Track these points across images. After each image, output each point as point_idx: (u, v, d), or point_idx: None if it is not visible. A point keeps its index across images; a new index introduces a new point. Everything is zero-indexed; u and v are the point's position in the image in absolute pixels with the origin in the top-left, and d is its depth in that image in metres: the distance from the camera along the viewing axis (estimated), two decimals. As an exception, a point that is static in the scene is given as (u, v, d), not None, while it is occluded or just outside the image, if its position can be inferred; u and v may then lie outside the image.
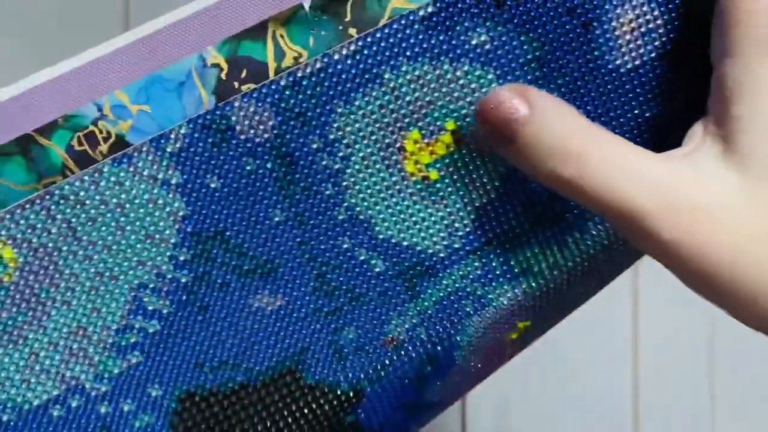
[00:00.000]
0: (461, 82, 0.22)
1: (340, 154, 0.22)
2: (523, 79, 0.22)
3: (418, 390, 0.23)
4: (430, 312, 0.23)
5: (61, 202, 0.21)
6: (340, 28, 0.22)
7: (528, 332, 0.25)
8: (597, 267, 0.25)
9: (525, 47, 0.22)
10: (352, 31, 0.22)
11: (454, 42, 0.22)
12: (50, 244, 0.21)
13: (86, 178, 0.21)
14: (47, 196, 0.21)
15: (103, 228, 0.21)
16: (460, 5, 0.22)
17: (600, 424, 0.58)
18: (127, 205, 0.21)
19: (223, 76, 0.22)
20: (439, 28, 0.22)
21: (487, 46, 0.22)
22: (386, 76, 0.22)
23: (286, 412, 0.22)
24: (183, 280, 0.22)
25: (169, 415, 0.22)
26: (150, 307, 0.22)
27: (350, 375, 0.22)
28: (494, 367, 0.25)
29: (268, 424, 0.22)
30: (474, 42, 0.22)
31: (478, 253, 0.23)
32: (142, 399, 0.22)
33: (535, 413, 0.58)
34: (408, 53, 0.22)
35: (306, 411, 0.22)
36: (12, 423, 0.21)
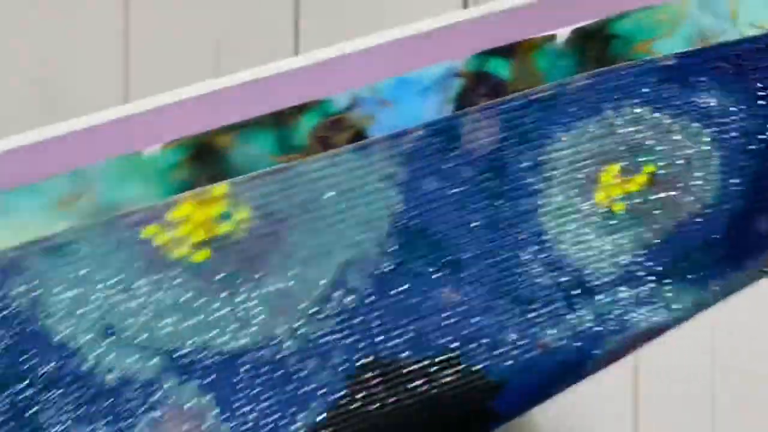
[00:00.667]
0: (676, 134, 0.24)
1: (545, 175, 0.24)
2: (740, 151, 0.24)
3: (548, 391, 0.26)
4: (578, 329, 0.25)
5: (300, 177, 0.22)
6: (582, 62, 0.23)
7: None
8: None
9: (754, 120, 0.24)
10: (591, 66, 0.23)
11: (682, 96, 0.23)
12: (281, 213, 0.22)
13: (326, 160, 0.22)
14: (289, 170, 0.22)
15: (329, 207, 0.23)
16: (699, 66, 0.23)
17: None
18: (354, 191, 0.23)
19: (465, 87, 0.23)
20: (672, 80, 0.23)
21: (714, 110, 0.24)
22: (608, 112, 0.23)
23: (440, 391, 0.25)
24: (385, 266, 0.23)
25: (348, 379, 0.24)
26: (351, 285, 0.23)
27: (501, 366, 0.25)
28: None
29: (425, 397, 0.25)
30: (701, 102, 0.23)
31: (634, 282, 0.25)
32: (327, 361, 0.24)
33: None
34: (635, 95, 0.23)
35: (458, 392, 0.25)
36: (213, 362, 0.23)
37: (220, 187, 0.22)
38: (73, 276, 0.22)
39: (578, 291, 0.25)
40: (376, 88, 0.22)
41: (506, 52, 0.23)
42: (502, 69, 0.23)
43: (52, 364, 0.22)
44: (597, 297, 0.25)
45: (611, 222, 0.25)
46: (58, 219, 0.22)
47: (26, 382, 0.22)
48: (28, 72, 0.64)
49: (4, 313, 0.22)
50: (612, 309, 0.26)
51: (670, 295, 0.26)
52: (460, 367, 0.25)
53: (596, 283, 0.25)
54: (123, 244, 0.22)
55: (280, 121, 0.22)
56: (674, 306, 0.26)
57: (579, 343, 0.25)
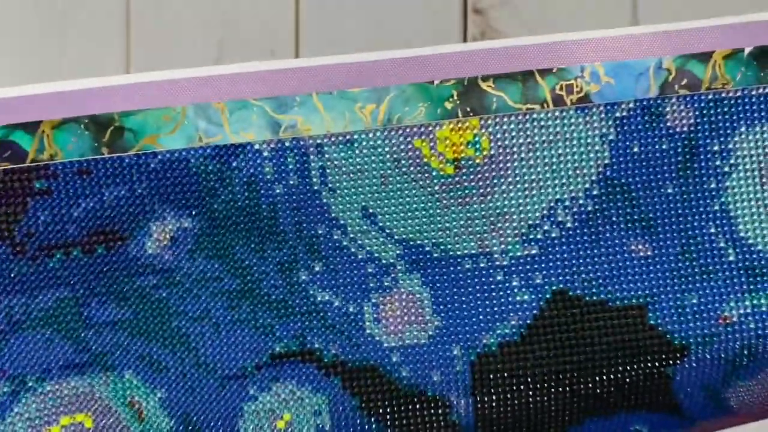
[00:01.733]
0: None
1: (731, 161, 0.29)
2: None
3: (727, 376, 0.30)
4: (762, 309, 0.30)
5: (533, 122, 0.29)
6: (762, 74, 0.30)
7: None
8: None
9: None
10: (769, 79, 0.30)
11: None
12: (514, 148, 0.29)
13: (556, 113, 0.29)
14: (526, 116, 0.29)
15: (550, 150, 0.29)
16: None
17: None
18: (573, 141, 0.29)
19: (669, 78, 0.29)
20: None
21: None
22: None
23: (623, 338, 0.30)
24: (588, 208, 0.30)
25: (542, 301, 0.30)
26: (559, 218, 0.30)
27: (683, 332, 0.30)
28: None
29: (606, 341, 0.30)
30: None
31: None
32: (528, 281, 0.30)
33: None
34: None
35: (639, 345, 0.30)
36: (438, 260, 0.29)
37: (474, 120, 0.29)
38: (356, 164, 0.29)
39: (760, 273, 0.30)
40: (603, 66, 0.29)
41: (701, 56, 0.29)
42: (697, 69, 0.29)
43: (320, 231, 0.29)
44: None
45: None
46: (355, 120, 0.29)
47: (300, 241, 0.29)
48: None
49: (307, 182, 0.29)
50: None
51: None
52: (644, 319, 0.30)
53: None
54: (398, 148, 0.29)
55: (527, 77, 0.29)
56: None
57: (761, 329, 0.30)
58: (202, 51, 0.64)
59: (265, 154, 0.29)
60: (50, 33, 0.70)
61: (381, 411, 0.30)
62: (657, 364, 0.30)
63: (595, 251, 0.30)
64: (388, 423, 0.30)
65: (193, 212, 0.29)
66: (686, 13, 0.60)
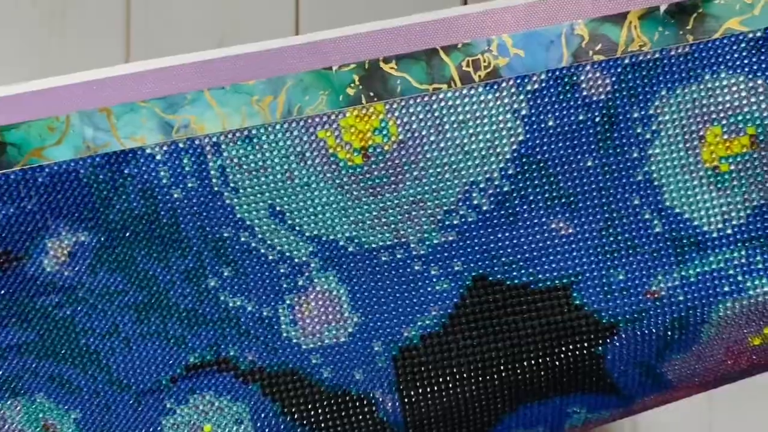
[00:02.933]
0: None
1: (653, 128, 0.28)
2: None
3: (660, 351, 0.29)
4: (691, 280, 0.29)
5: (440, 103, 0.28)
6: (680, 33, 0.28)
7: None
8: None
9: None
10: (689, 37, 0.28)
11: None
12: (423, 132, 0.28)
13: (464, 91, 0.28)
14: (433, 97, 0.28)
15: (461, 131, 0.28)
16: None
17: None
18: (484, 120, 0.28)
19: (583, 44, 0.28)
20: (762, 50, 0.28)
21: None
22: (707, 77, 0.28)
23: (548, 321, 0.29)
24: (505, 189, 0.28)
25: (463, 289, 0.28)
26: (474, 202, 0.28)
27: (611, 310, 0.29)
28: (725, 373, 0.30)
29: (532, 325, 0.28)
30: None
31: (747, 244, 0.29)
32: (447, 269, 0.28)
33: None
34: (730, 64, 0.28)
35: (566, 326, 0.29)
36: (353, 254, 0.28)
37: (379, 105, 0.28)
38: (257, 161, 0.28)
39: (688, 244, 0.29)
40: (511, 38, 0.28)
41: (616, 18, 0.28)
42: (613, 32, 0.28)
43: (225, 234, 0.28)
44: (708, 253, 0.29)
45: (719, 180, 0.29)
46: (253, 115, 0.27)
47: (205, 246, 0.28)
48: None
49: (207, 183, 0.27)
50: (724, 269, 0.29)
51: None
52: (570, 300, 0.28)
53: (707, 238, 0.29)
54: (301, 141, 0.28)
55: (431, 56, 0.28)
56: None
57: (690, 300, 0.29)
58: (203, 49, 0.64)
59: (159, 157, 0.27)
60: (50, 34, 0.70)
61: (305, 414, 0.29)
62: (587, 344, 0.28)
63: (515, 233, 0.29)
64: (314, 426, 0.29)
65: (89, 225, 0.27)
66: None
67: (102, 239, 0.27)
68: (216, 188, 0.28)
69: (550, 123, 0.28)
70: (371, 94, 0.28)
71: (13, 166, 0.27)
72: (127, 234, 0.28)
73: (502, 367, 0.28)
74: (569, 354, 0.28)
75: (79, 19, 0.69)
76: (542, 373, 0.29)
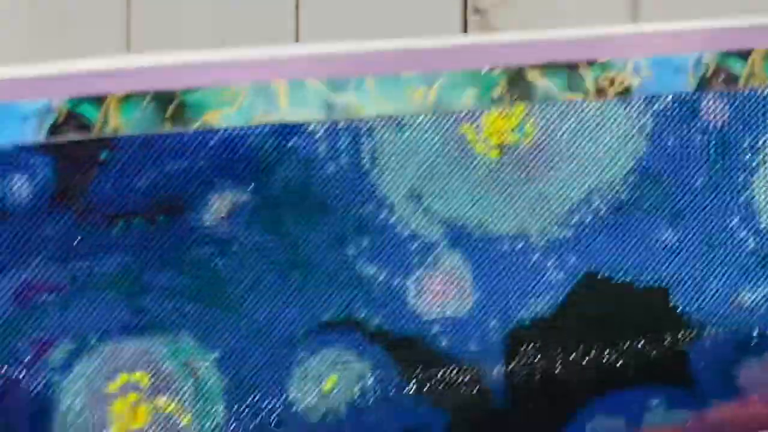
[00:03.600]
0: None
1: (760, 157, 0.31)
2: None
3: (737, 356, 0.32)
4: None
5: (576, 112, 0.30)
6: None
7: None
8: None
9: None
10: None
11: None
12: (557, 136, 0.31)
13: (598, 104, 0.30)
14: (570, 105, 0.30)
15: (591, 139, 0.31)
16: None
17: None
18: (612, 132, 0.31)
19: (708, 74, 0.31)
20: None
21: None
22: None
23: (645, 317, 0.31)
24: (623, 196, 0.31)
25: (574, 282, 0.31)
26: (594, 205, 0.31)
27: (700, 314, 0.32)
28: None
29: (630, 319, 0.31)
30: None
31: None
32: (562, 262, 0.31)
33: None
34: None
35: (659, 323, 0.32)
36: (479, 239, 0.31)
37: (520, 107, 0.31)
38: (404, 146, 0.30)
39: None
40: (646, 60, 0.30)
41: (743, 54, 0.30)
42: (735, 67, 0.31)
43: (367, 210, 0.31)
44: None
45: None
46: (406, 104, 0.30)
47: (348, 218, 0.30)
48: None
49: (357, 162, 0.30)
50: None
51: None
52: (665, 301, 0.32)
53: None
54: (446, 132, 0.30)
55: (573, 68, 0.30)
56: None
57: None
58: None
59: (319, 134, 0.30)
60: (50, 33, 0.71)
61: (420, 377, 0.32)
62: (675, 341, 0.32)
63: (626, 237, 0.32)
64: (428, 388, 0.32)
65: (250, 187, 0.30)
66: (689, 12, 0.61)
67: (259, 201, 0.30)
68: (365, 167, 0.30)
69: (670, 142, 0.31)
70: (514, 96, 0.30)
71: (189, 125, 0.29)
72: (282, 199, 0.30)
73: (599, 354, 0.32)
74: (659, 348, 0.32)
75: (79, 21, 0.70)
76: (633, 362, 0.32)
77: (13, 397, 0.30)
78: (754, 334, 0.32)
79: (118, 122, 0.29)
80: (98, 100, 0.29)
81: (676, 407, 0.33)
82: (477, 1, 0.58)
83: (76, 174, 0.29)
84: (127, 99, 0.29)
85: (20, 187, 0.29)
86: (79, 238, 0.29)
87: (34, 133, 0.29)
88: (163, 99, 0.29)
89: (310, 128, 0.30)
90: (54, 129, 0.29)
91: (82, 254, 0.29)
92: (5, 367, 0.29)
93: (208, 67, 0.29)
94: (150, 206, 0.29)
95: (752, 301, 0.32)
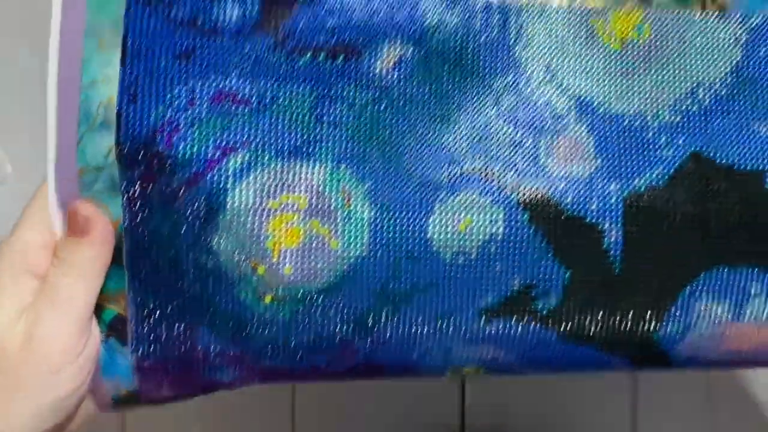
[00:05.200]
0: None
1: None
2: None
3: None
4: None
5: (685, 19, 0.37)
6: None
7: None
8: None
9: None
10: None
11: None
12: (669, 36, 0.37)
13: (703, 14, 0.37)
14: (680, 13, 0.37)
15: (696, 44, 0.37)
16: None
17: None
18: (714, 38, 0.37)
19: (790, 3, 0.38)
20: None
21: None
22: None
23: (744, 196, 0.36)
24: (723, 92, 0.37)
25: (682, 157, 0.36)
26: (699, 96, 0.37)
27: None
28: None
29: (734, 199, 0.35)
30: None
31: None
32: (672, 141, 0.36)
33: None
34: None
35: (758, 200, 0.35)
36: (602, 115, 0.36)
37: (640, 10, 0.37)
38: (545, 29, 0.36)
39: None
40: (740, -15, 0.37)
41: None
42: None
43: (509, 78, 0.36)
44: None
45: None
46: (549, -4, 0.36)
47: (493, 81, 0.35)
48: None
49: (506, 36, 0.35)
50: None
51: None
52: (761, 182, 0.36)
53: None
54: (580, 22, 0.36)
55: (683, -15, 0.37)
56: None
57: None
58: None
59: (478, 8, 0.36)
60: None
61: (548, 228, 0.35)
62: None
63: (726, 126, 0.37)
64: (551, 239, 0.35)
65: (416, 42, 0.35)
66: None
67: (422, 56, 0.35)
68: (511, 42, 0.36)
69: (761, 52, 0.37)
70: (638, 2, 0.37)
71: None
72: (442, 58, 0.35)
73: (709, 224, 0.35)
74: (760, 225, 0.35)
75: None
76: (736, 240, 0.35)
77: (189, 194, 0.33)
78: None
79: None
80: None
81: None
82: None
83: (278, 9, 0.34)
84: None
85: (232, 11, 0.34)
86: (272, 62, 0.34)
87: None
88: None
89: (471, 3, 0.36)
90: None
91: (271, 77, 0.34)
92: (190, 163, 0.33)
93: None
94: (334, 46, 0.34)
95: None
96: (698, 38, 0.37)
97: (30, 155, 0.71)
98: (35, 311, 0.33)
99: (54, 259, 0.34)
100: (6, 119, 0.73)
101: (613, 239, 0.36)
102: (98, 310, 0.35)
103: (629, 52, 0.37)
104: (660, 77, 0.37)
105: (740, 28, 0.38)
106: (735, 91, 0.37)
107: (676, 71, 0.37)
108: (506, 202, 0.35)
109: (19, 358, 0.33)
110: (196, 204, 0.33)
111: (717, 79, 0.37)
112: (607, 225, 0.36)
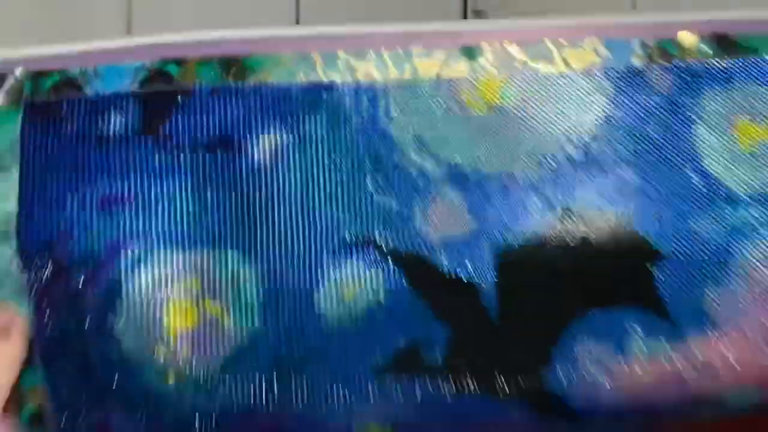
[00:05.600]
0: None
1: (699, 113, 0.39)
2: None
3: (700, 284, 0.37)
4: (721, 224, 0.37)
5: (549, 81, 0.39)
6: (719, 51, 0.39)
7: None
8: None
9: None
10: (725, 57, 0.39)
11: None
12: (534, 98, 0.39)
13: (566, 74, 0.39)
14: (544, 75, 0.39)
15: (563, 101, 0.38)
16: None
17: None
18: (579, 95, 0.39)
19: (650, 53, 0.39)
20: None
21: None
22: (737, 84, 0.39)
23: (610, 238, 0.37)
24: (591, 145, 0.38)
25: (552, 213, 0.38)
26: (568, 151, 0.38)
27: (659, 238, 0.37)
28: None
29: (601, 244, 0.37)
30: None
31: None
32: (542, 197, 0.38)
33: None
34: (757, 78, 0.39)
35: (624, 244, 0.37)
36: (473, 178, 0.38)
37: (504, 75, 0.39)
38: (412, 104, 0.38)
39: (719, 198, 0.38)
40: (601, 40, 0.39)
41: (674, 39, 0.39)
42: (672, 48, 0.39)
43: (384, 152, 0.38)
44: (737, 206, 0.38)
45: (750, 157, 0.38)
46: (414, 71, 0.39)
47: (368, 157, 0.38)
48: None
49: (375, 115, 0.38)
50: (748, 221, 0.37)
51: None
52: (631, 227, 0.37)
53: (736, 197, 0.38)
54: (445, 94, 0.39)
55: (541, 44, 0.39)
56: None
57: (723, 242, 0.37)
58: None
59: (346, 91, 0.38)
60: (52, 33, 0.81)
61: (426, 290, 0.37)
62: (639, 261, 0.37)
63: (594, 177, 0.38)
64: (431, 300, 0.37)
65: (291, 129, 0.38)
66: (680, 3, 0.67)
67: (297, 141, 0.38)
68: (381, 119, 0.38)
69: (627, 101, 0.39)
70: (499, 67, 0.39)
71: (246, 80, 0.38)
72: (316, 140, 0.38)
73: (580, 272, 0.37)
74: (628, 267, 0.37)
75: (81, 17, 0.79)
76: (606, 284, 0.37)
77: (88, 290, 0.36)
78: (708, 261, 0.37)
79: (193, 77, 0.38)
80: (180, 62, 0.38)
81: (654, 335, 0.38)
82: (477, 2, 0.67)
83: (158, 113, 0.37)
84: (202, 61, 0.38)
85: (116, 122, 0.37)
86: (153, 160, 0.37)
87: (130, 85, 0.37)
88: (228, 62, 0.38)
89: (340, 87, 0.38)
90: (144, 82, 0.37)
91: (155, 174, 0.37)
92: (86, 263, 0.36)
93: (263, 40, 0.38)
94: (213, 141, 0.37)
95: (707, 231, 0.37)
96: (564, 96, 0.39)
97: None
98: None
99: None
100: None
101: (489, 294, 0.38)
102: (17, 406, 0.39)
103: (496, 116, 0.39)
104: (528, 136, 0.39)
105: (606, 82, 0.39)
106: (603, 141, 0.39)
107: (544, 130, 0.39)
108: (388, 269, 0.38)
109: None
110: (97, 299, 0.37)
111: (585, 133, 0.39)
112: (483, 282, 0.38)
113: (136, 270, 0.37)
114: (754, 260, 0.38)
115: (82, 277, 0.36)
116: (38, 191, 0.37)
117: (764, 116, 0.39)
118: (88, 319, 0.37)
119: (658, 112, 0.39)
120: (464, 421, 0.39)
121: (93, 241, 0.37)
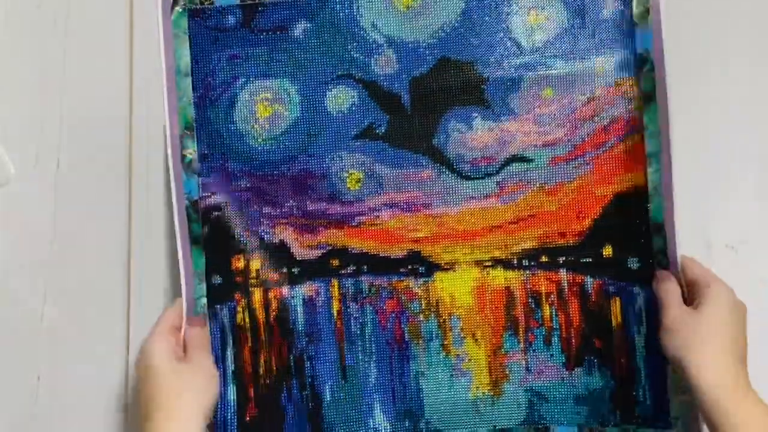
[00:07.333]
0: None
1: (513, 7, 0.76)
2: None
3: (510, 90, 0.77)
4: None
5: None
6: None
7: None
8: None
9: None
10: None
11: None
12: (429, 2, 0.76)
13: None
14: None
15: (439, 4, 0.76)
16: None
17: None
18: None
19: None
20: None
21: None
22: None
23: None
24: (458, 25, 0.77)
25: (436, 62, 0.77)
26: (447, 29, 0.77)
27: (486, 65, 0.76)
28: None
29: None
30: None
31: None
32: (433, 51, 0.77)
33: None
34: None
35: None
36: (402, 45, 0.77)
37: (415, -10, 0.77)
38: (370, 5, 0.78)
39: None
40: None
41: None
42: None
43: (356, 30, 0.77)
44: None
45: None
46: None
47: (348, 35, 0.77)
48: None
49: (348, 10, 0.77)
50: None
51: None
52: (473, 69, 0.76)
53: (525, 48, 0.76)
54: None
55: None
56: None
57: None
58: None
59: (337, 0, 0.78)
60: (53, 33, 0.89)
61: (375, 99, 0.78)
62: (475, 79, 0.76)
63: (463, 43, 0.76)
64: (379, 104, 0.78)
65: (309, 20, 0.78)
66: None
67: (314, 25, 0.78)
68: (354, 12, 0.77)
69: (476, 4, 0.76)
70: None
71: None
72: (323, 25, 0.78)
73: (445, 89, 0.76)
74: (469, 81, 0.76)
75: (82, 22, 0.88)
76: (459, 92, 0.77)
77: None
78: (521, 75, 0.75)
79: None
80: None
81: (486, 119, 0.77)
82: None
83: (250, 15, 0.78)
84: None
85: (230, 19, 0.78)
86: (249, 40, 0.78)
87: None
88: None
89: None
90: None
91: (250, 44, 0.78)
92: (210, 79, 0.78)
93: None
94: (274, 28, 0.78)
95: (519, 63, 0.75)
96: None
97: (32, 157, 0.78)
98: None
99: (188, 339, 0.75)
100: (8, 121, 0.75)
101: (405, 98, 0.78)
102: None
103: (411, 11, 0.77)
104: (426, 20, 0.77)
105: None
106: (468, 23, 0.76)
107: (434, 16, 0.77)
108: (358, 91, 0.78)
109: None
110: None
111: (454, 18, 0.76)
112: (402, 93, 0.78)
113: (242, 89, 0.79)
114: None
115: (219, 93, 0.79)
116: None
117: None
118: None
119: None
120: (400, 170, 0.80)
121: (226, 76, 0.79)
